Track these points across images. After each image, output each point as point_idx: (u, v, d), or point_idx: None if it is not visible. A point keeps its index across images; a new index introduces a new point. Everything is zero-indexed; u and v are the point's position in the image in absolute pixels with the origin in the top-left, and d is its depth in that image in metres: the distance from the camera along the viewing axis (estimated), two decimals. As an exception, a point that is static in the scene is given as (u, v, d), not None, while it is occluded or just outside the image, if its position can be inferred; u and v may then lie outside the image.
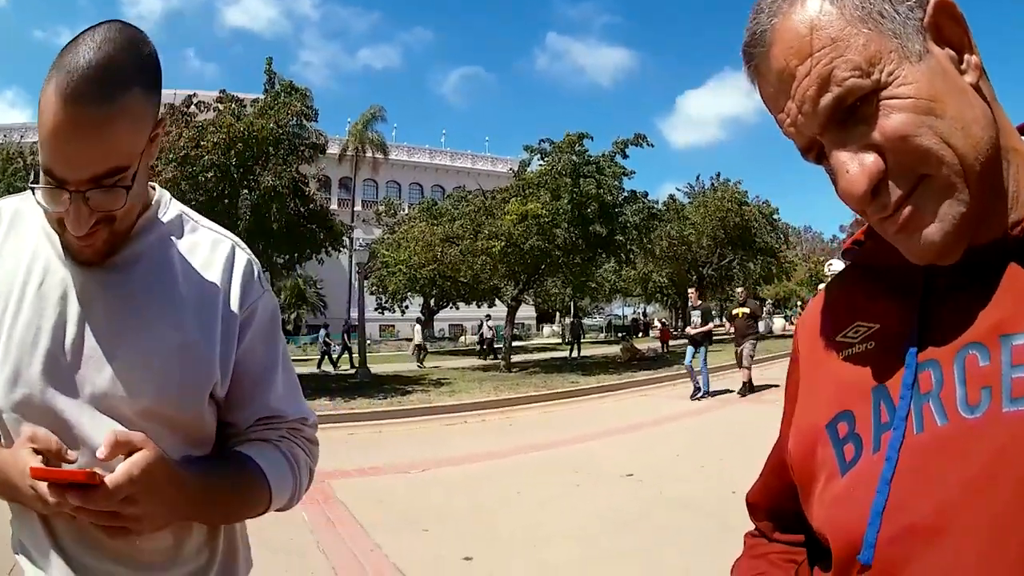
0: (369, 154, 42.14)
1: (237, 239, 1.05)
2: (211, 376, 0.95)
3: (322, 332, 21.93)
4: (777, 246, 28.69)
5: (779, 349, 17.85)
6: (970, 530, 0.50)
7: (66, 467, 0.82)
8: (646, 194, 17.95)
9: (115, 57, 0.78)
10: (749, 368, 11.08)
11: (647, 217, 17.46)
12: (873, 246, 0.65)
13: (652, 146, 17.16)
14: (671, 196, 26.04)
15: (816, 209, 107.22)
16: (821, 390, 0.67)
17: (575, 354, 23.57)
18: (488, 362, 21.26)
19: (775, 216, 28.35)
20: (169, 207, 1.01)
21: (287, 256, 15.12)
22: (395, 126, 60.41)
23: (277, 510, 1.03)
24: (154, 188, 1.00)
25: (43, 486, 0.78)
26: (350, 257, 34.44)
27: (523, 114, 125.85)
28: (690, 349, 11.29)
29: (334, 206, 27.32)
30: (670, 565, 3.85)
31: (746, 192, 26.91)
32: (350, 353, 21.02)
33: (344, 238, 16.45)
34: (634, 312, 50.48)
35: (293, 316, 43.82)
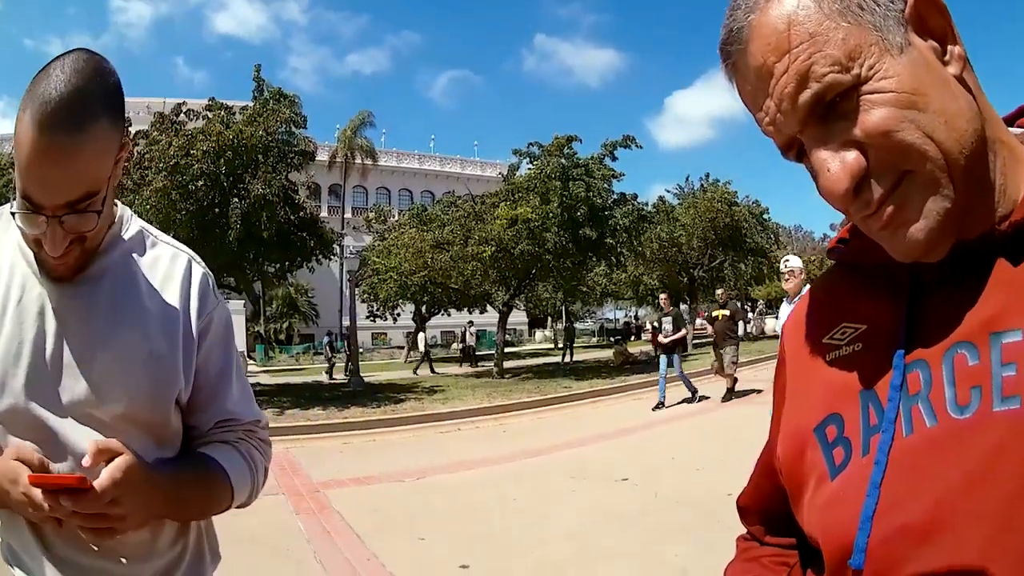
0: (359, 160, 42.01)
1: (193, 253, 1.12)
2: (176, 382, 1.03)
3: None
4: (768, 246, 28.62)
5: (772, 350, 17.85)
6: (972, 520, 0.49)
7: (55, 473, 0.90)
8: (636, 196, 17.95)
9: (84, 88, 0.83)
10: (733, 374, 10.63)
11: (637, 219, 17.42)
12: (858, 244, 0.63)
13: (641, 148, 17.22)
14: (661, 198, 25.90)
15: (806, 208, 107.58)
16: (809, 393, 0.66)
17: (568, 359, 23.53)
18: (480, 369, 21.21)
19: (765, 216, 28.30)
20: (131, 223, 1.08)
21: (278, 265, 15.09)
22: (384, 131, 60.09)
23: (237, 507, 1.12)
24: (116, 205, 1.05)
25: (38, 492, 0.84)
26: (341, 265, 34.40)
27: (511, 116, 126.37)
28: (663, 358, 10.59)
29: (324, 213, 27.17)
30: (667, 567, 3.84)
31: (736, 192, 26.86)
32: (333, 362, 21.46)
33: (335, 246, 16.42)
34: (626, 315, 50.48)
35: (285, 325, 43.61)
